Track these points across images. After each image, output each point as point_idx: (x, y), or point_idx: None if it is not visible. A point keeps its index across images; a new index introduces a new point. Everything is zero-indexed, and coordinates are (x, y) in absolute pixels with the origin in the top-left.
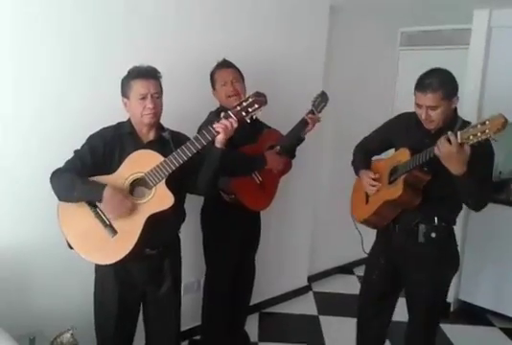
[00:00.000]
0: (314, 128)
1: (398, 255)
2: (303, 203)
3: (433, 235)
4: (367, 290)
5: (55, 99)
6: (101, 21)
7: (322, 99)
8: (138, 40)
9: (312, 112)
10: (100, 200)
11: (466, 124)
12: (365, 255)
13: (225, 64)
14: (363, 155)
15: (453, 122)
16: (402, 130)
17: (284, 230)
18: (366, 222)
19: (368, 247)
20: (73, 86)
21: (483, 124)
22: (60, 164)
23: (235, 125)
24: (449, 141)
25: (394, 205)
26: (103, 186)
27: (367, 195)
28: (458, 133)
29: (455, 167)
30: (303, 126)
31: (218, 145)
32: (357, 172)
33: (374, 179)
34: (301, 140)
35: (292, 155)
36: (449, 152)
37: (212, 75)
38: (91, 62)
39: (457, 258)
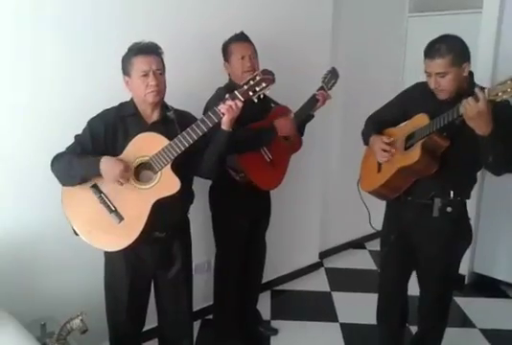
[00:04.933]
0: (325, 105)
1: (410, 229)
2: (313, 179)
3: (449, 209)
4: (384, 267)
5: (53, 83)
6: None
7: (332, 75)
8: (137, 16)
9: (322, 88)
10: (98, 172)
11: (484, 90)
12: (373, 230)
13: (244, 38)
14: (376, 125)
15: (469, 89)
16: (417, 100)
17: (294, 207)
18: (376, 193)
19: (376, 222)
20: (71, 68)
21: None
22: (62, 148)
23: (240, 105)
24: (476, 100)
25: (409, 173)
26: (99, 158)
27: (379, 163)
28: (486, 90)
29: (483, 126)
30: (313, 102)
31: (224, 127)
32: (366, 141)
33: (388, 144)
34: (311, 117)
35: (302, 133)
36: (477, 111)
37: (227, 46)
38: (88, 40)
39: (471, 231)
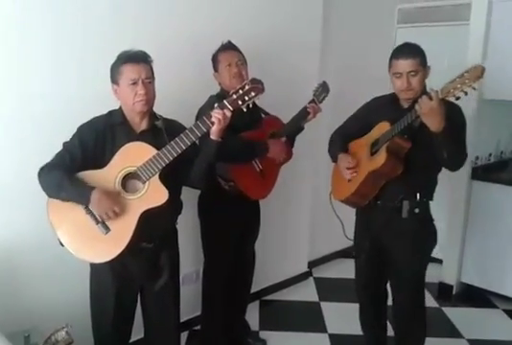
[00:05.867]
0: (315, 118)
1: (380, 232)
2: (302, 189)
3: (417, 210)
4: (359, 275)
5: (41, 87)
6: (88, 3)
7: (323, 89)
8: (127, 23)
9: (313, 101)
10: (87, 205)
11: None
12: (349, 241)
13: (230, 46)
14: (341, 141)
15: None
16: (380, 110)
17: (283, 216)
18: (348, 201)
19: (351, 233)
20: (59, 74)
21: (461, 76)
22: (50, 155)
23: (228, 114)
24: (430, 98)
25: (378, 176)
26: (90, 189)
27: None
28: (439, 90)
29: (436, 122)
30: (304, 115)
31: (213, 136)
32: (334, 158)
33: (351, 168)
34: (301, 129)
35: (292, 144)
36: (430, 108)
37: (215, 56)
38: (77, 47)
39: (436, 233)
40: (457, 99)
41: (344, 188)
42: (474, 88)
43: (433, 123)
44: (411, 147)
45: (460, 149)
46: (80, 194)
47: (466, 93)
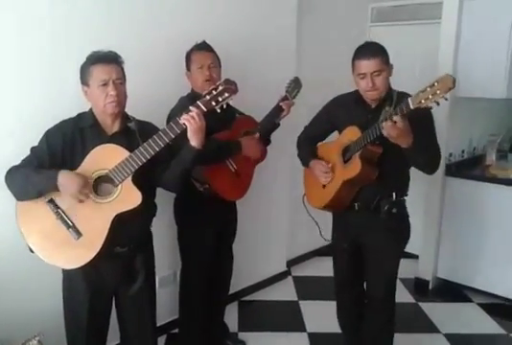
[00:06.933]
0: (289, 114)
1: (360, 232)
2: (279, 188)
3: (394, 210)
4: (339, 276)
5: (7, 89)
6: (57, 2)
7: (296, 85)
8: (96, 22)
9: (286, 98)
10: (56, 186)
11: (402, 94)
12: (326, 242)
13: (205, 47)
14: (309, 145)
15: (388, 94)
16: (342, 111)
17: (261, 216)
18: (327, 207)
19: (328, 233)
20: (27, 75)
21: (432, 86)
22: (18, 159)
23: (201, 116)
24: (393, 122)
25: (354, 183)
26: (57, 170)
27: None
28: (409, 100)
29: (405, 141)
30: (278, 111)
31: (193, 143)
32: (305, 164)
33: (327, 172)
34: (276, 126)
35: (268, 142)
36: (397, 133)
37: (188, 55)
38: (47, 47)
39: (410, 228)
40: (430, 109)
41: (320, 195)
42: (445, 99)
43: (403, 142)
44: (383, 151)
45: (435, 152)
46: (46, 179)
47: (438, 103)
